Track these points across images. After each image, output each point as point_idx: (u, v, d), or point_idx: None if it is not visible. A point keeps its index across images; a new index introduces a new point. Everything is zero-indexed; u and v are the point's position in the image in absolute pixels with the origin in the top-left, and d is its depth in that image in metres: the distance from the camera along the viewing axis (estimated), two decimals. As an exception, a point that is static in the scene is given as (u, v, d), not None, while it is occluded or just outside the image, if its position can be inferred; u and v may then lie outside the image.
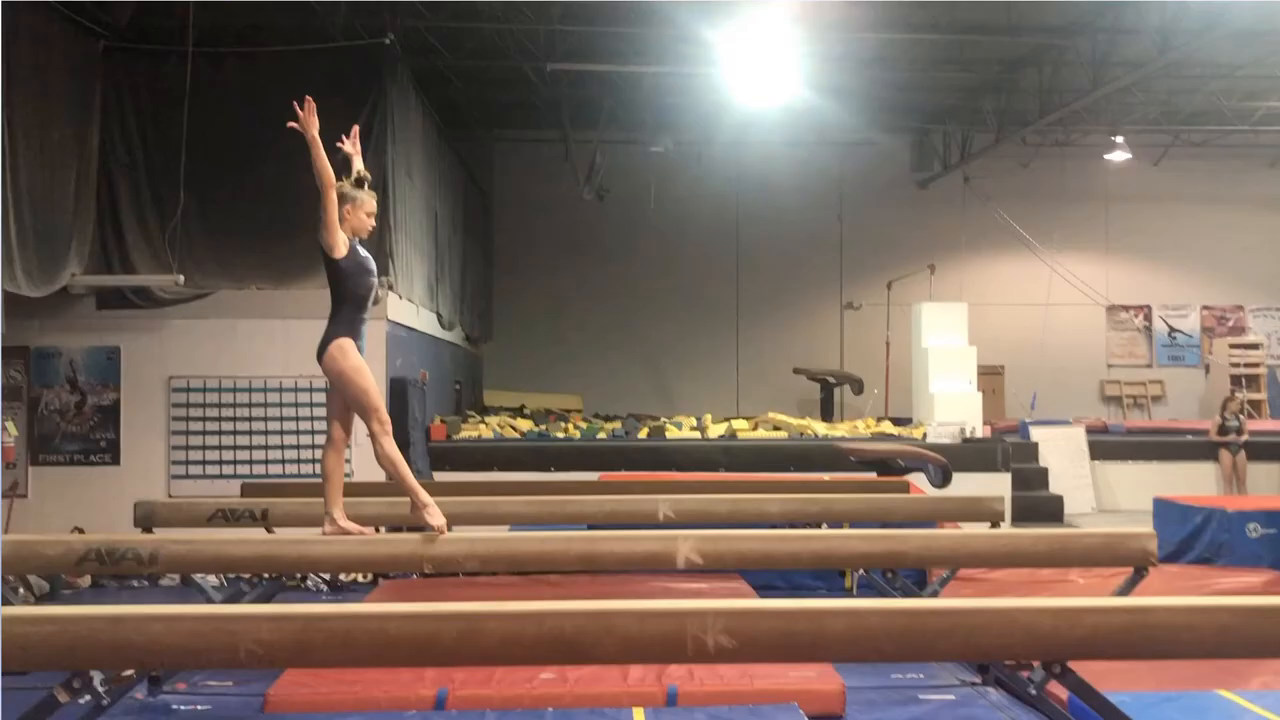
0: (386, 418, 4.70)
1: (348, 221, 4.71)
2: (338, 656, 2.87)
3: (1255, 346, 16.64)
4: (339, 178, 4.71)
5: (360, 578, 8.72)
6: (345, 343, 4.68)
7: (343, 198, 4.69)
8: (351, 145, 4.94)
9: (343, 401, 4.76)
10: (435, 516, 4.53)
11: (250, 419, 9.63)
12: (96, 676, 3.15)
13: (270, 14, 10.23)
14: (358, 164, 4.88)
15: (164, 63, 9.44)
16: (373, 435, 4.63)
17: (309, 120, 4.67)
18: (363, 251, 4.81)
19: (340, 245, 4.67)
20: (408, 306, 10.61)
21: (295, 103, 4.72)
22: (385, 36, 9.89)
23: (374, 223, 4.86)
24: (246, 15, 9.94)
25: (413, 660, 2.96)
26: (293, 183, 9.62)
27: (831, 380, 16.01)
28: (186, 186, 9.28)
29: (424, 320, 11.55)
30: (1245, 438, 12.89)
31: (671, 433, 12.03)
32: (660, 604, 2.94)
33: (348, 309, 4.74)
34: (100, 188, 9.32)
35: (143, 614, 2.80)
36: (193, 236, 9.44)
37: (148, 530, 5.49)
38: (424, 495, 4.57)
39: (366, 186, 4.83)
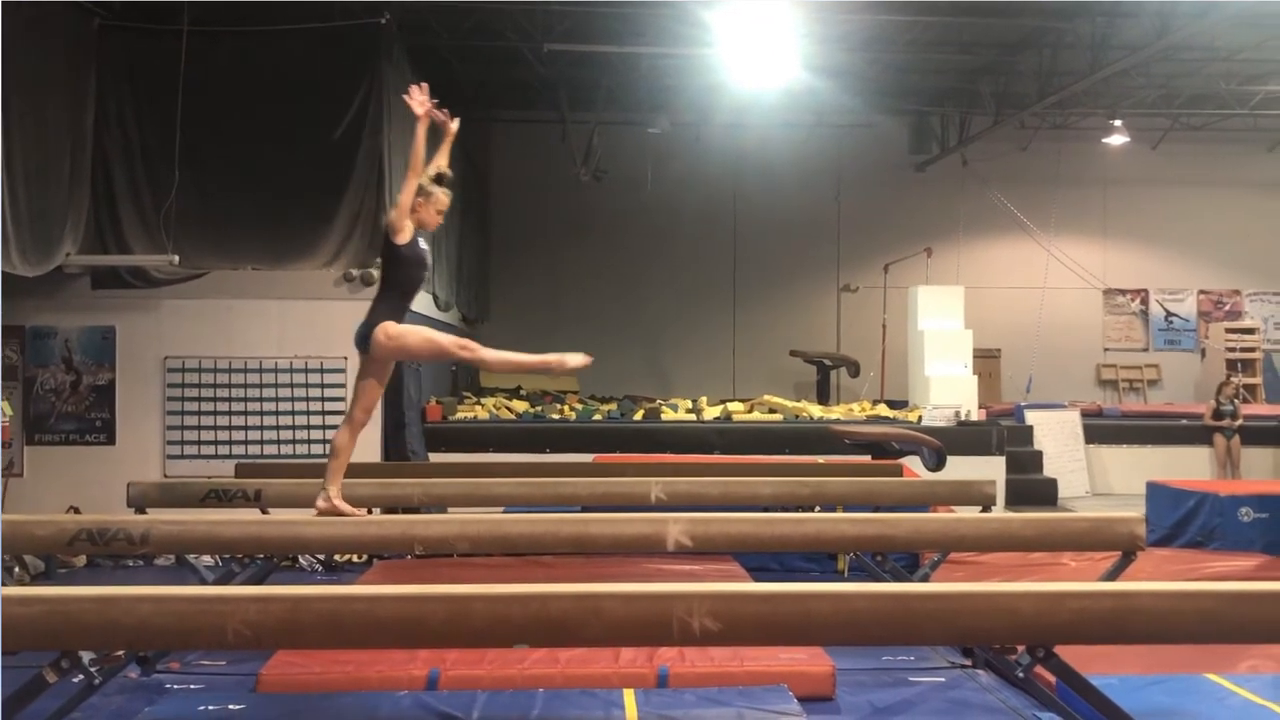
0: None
1: (418, 213, 4.75)
2: (326, 638, 2.88)
3: (1251, 331, 16.67)
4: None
5: (355, 558, 8.75)
6: (390, 326, 4.73)
7: (418, 190, 4.72)
8: (445, 138, 4.92)
9: (369, 385, 4.77)
10: (570, 359, 4.68)
11: (245, 399, 9.63)
12: (86, 656, 3.17)
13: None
14: (442, 161, 4.88)
15: (159, 41, 9.40)
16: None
17: (422, 100, 4.69)
18: (424, 244, 4.84)
19: (406, 231, 4.72)
20: (403, 287, 10.59)
21: (415, 84, 4.77)
22: (381, 15, 9.85)
23: (442, 220, 4.89)
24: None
25: (401, 642, 2.98)
26: (289, 162, 9.68)
27: (828, 363, 16.03)
28: (182, 166, 9.25)
29: (420, 301, 11.45)
30: (1240, 422, 12.92)
31: (667, 415, 12.04)
32: (647, 587, 2.96)
33: (394, 295, 4.79)
34: (95, 167, 9.29)
35: (131, 595, 2.81)
36: (188, 216, 9.41)
37: (141, 510, 5.50)
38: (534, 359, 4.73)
39: (445, 184, 4.84)
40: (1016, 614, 2.96)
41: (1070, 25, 12.23)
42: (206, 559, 7.43)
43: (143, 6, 9.51)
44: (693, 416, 12.09)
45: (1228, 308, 17.91)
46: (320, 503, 4.69)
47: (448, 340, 4.87)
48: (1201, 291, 17.99)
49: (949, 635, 3.13)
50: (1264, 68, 13.71)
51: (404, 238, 4.72)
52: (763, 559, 8.17)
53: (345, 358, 9.61)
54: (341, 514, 4.65)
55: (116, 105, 9.49)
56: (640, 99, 14.93)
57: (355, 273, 9.53)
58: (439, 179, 4.81)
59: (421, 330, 4.85)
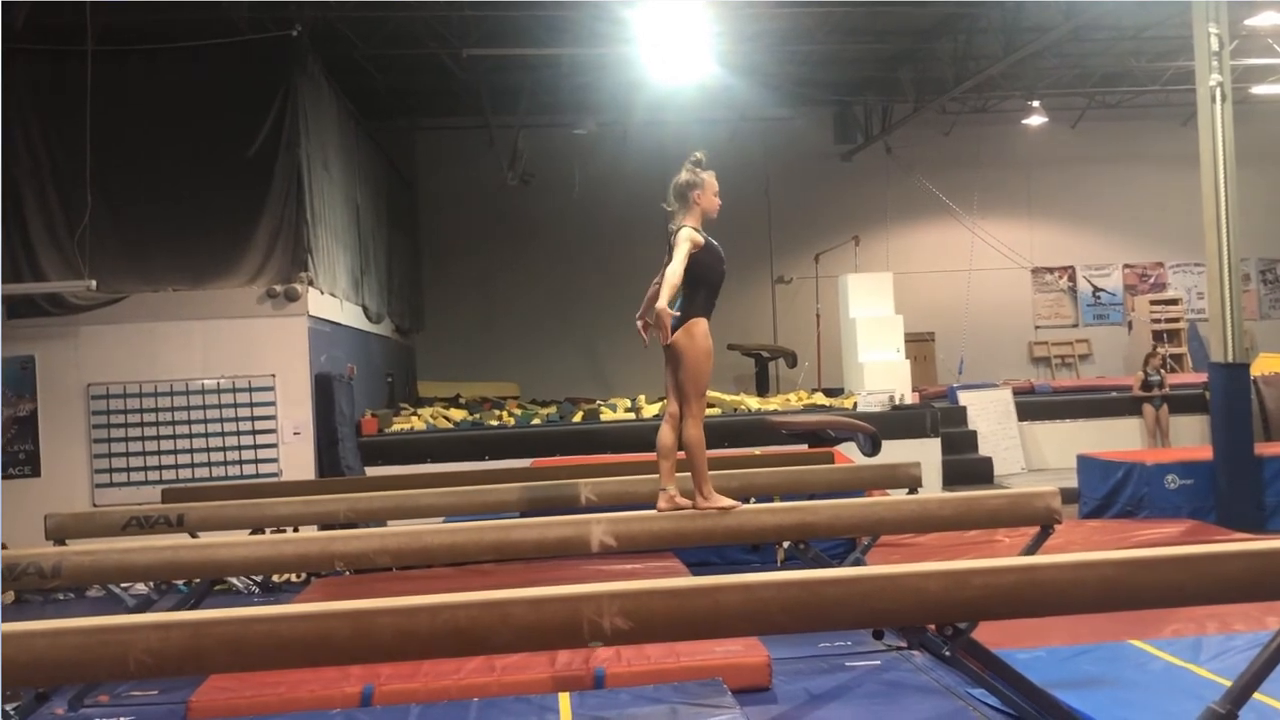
0: (705, 404, 4.70)
1: (699, 205, 4.76)
2: (230, 662, 2.84)
3: (1175, 302, 17.01)
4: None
5: (294, 578, 8.63)
6: (702, 323, 4.71)
7: (690, 185, 4.73)
8: None
9: (696, 372, 4.66)
10: (721, 501, 4.58)
11: (174, 423, 9.49)
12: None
13: (174, 9, 10.03)
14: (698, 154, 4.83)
15: (65, 63, 9.22)
16: (688, 415, 4.60)
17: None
18: (713, 240, 4.82)
19: (697, 236, 4.72)
20: (330, 301, 10.49)
21: None
22: (292, 28, 9.74)
23: (720, 200, 4.85)
24: (149, 11, 9.73)
25: (307, 661, 2.94)
26: (206, 180, 9.55)
27: (765, 355, 16.13)
28: (95, 189, 9.07)
29: (349, 314, 11.42)
30: (1167, 391, 13.18)
31: (606, 415, 12.03)
32: (554, 590, 2.95)
33: (704, 293, 4.77)
34: (4, 194, 9.09)
35: (25, 630, 2.75)
36: (104, 240, 9.25)
37: (60, 543, 5.40)
38: (709, 487, 4.59)
39: (702, 165, 4.84)
40: (923, 594, 2.99)
41: (983, 10, 12.41)
42: (140, 587, 7.29)
43: (46, 29, 9.31)
44: (632, 415, 12.09)
45: (1152, 280, 18.29)
46: (661, 502, 4.60)
47: (704, 391, 4.71)
48: (1126, 266, 18.35)
49: (858, 619, 3.15)
50: (1171, 44, 14.00)
51: (700, 240, 4.73)
52: (704, 554, 8.18)
53: (273, 375, 9.50)
54: (682, 509, 4.56)
55: (23, 130, 9.31)
56: (564, 100, 14.91)
57: (278, 289, 9.41)
58: (697, 163, 4.82)
59: (709, 365, 4.69)
